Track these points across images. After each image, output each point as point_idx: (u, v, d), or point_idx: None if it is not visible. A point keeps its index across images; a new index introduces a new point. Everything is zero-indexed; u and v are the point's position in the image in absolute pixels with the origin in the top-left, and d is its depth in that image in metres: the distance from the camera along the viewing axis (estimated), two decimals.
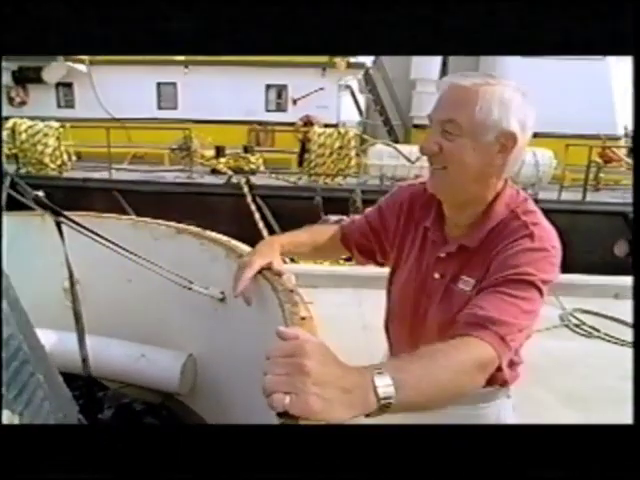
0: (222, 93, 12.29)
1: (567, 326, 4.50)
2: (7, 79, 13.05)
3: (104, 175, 9.54)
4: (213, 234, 1.79)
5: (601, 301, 4.91)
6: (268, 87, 12.85)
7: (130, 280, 1.69)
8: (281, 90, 12.97)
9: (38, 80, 12.88)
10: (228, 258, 1.51)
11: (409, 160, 9.40)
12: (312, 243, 1.32)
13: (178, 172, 9.86)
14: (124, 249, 1.58)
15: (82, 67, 12.76)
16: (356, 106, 13.38)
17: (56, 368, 1.32)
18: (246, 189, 8.71)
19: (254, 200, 8.63)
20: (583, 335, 4.38)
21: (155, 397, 1.94)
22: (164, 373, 1.82)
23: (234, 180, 9.02)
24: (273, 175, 9.89)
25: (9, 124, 9.52)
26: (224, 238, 1.71)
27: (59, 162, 9.73)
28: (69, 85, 13.30)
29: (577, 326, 4.49)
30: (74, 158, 10.20)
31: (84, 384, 1.69)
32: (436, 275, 1.13)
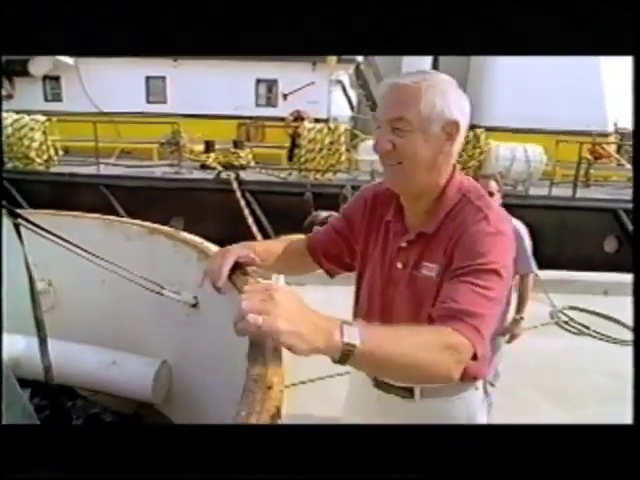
0: (212, 87, 12.15)
1: (557, 323, 4.49)
2: None
3: (92, 170, 9.41)
4: (186, 235, 1.74)
5: (590, 298, 4.91)
6: (258, 82, 12.72)
7: (103, 281, 1.65)
8: (271, 85, 12.84)
9: (24, 73, 12.63)
10: (200, 261, 1.47)
11: None
12: (284, 253, 1.35)
13: (167, 167, 9.75)
14: (85, 250, 1.51)
15: (69, 60, 12.53)
16: (347, 101, 13.30)
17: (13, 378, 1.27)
18: (235, 184, 8.63)
19: (243, 196, 8.55)
20: (573, 332, 4.36)
21: (129, 406, 1.88)
22: (136, 381, 1.76)
23: (223, 175, 8.93)
24: (263, 170, 9.82)
25: None
26: (197, 240, 1.67)
27: (45, 157, 9.60)
28: (56, 78, 13.05)
29: (566, 323, 4.48)
30: (61, 153, 10.07)
31: (51, 393, 1.63)
32: (399, 265, 1.18)
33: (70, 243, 1.51)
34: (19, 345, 1.73)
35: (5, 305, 1.36)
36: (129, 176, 9.22)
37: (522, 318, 2.81)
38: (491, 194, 2.70)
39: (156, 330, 1.81)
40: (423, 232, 1.14)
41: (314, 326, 0.75)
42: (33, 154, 9.38)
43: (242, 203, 8.46)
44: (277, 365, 0.80)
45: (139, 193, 8.77)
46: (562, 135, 10.18)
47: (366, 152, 9.64)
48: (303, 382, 3.20)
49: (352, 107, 13.80)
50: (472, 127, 9.55)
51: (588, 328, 4.31)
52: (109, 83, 12.32)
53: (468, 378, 1.16)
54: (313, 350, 0.75)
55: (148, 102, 12.85)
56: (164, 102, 12.79)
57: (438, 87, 1.04)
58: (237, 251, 1.20)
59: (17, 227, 1.50)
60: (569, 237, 8.25)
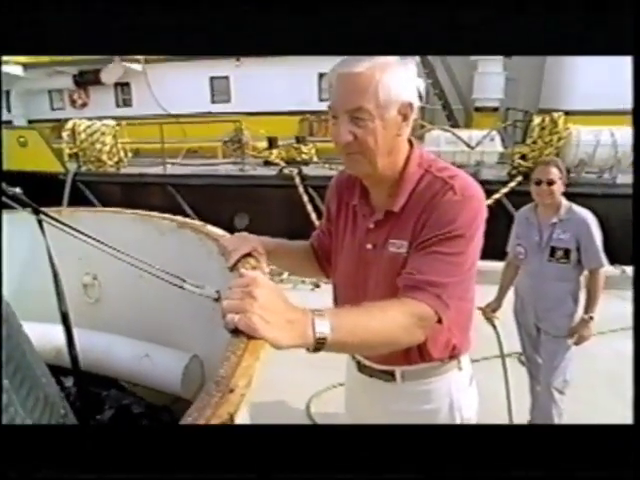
0: (275, 84, 12.12)
1: None
2: (69, 83, 13.65)
3: (159, 170, 9.62)
4: (210, 228, 1.76)
5: None
6: (321, 76, 12.54)
7: (141, 275, 1.60)
8: None
9: (97, 82, 13.31)
10: (221, 255, 1.44)
11: (468, 145, 8.86)
12: (296, 256, 1.44)
13: (230, 165, 9.81)
14: (104, 243, 1.55)
15: (138, 66, 13.00)
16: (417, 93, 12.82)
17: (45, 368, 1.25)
18: (298, 180, 8.48)
19: (306, 191, 8.38)
20: None
21: (162, 399, 1.86)
22: (166, 374, 1.76)
23: (286, 171, 8.82)
24: (326, 165, 9.60)
25: (69, 125, 9.85)
26: (219, 233, 1.68)
27: (116, 159, 9.94)
28: (126, 84, 13.61)
29: None
30: (130, 155, 10.38)
31: (85, 382, 1.71)
32: (369, 246, 1.20)
33: (92, 238, 1.56)
34: (61, 335, 1.72)
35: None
36: (194, 175, 9.35)
37: (591, 318, 2.48)
38: (551, 182, 2.45)
39: (190, 324, 1.80)
40: (390, 211, 1.15)
41: (288, 323, 0.79)
42: (104, 157, 9.74)
43: (305, 198, 8.30)
44: (248, 366, 0.77)
45: (204, 191, 8.87)
46: None
47: (432, 143, 9.21)
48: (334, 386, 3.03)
49: (420, 97, 13.27)
50: (548, 111, 8.86)
51: None
52: (175, 86, 12.67)
53: (446, 355, 1.23)
54: (289, 346, 0.78)
55: (213, 102, 13.09)
56: (228, 101, 12.97)
57: (390, 70, 1.03)
58: (253, 244, 1.25)
59: (40, 223, 1.56)
60: None
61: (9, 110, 14.54)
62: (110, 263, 1.65)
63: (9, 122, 14.05)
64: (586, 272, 2.54)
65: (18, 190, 1.56)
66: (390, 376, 1.28)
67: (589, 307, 2.50)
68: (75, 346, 1.56)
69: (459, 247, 1.04)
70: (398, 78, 1.04)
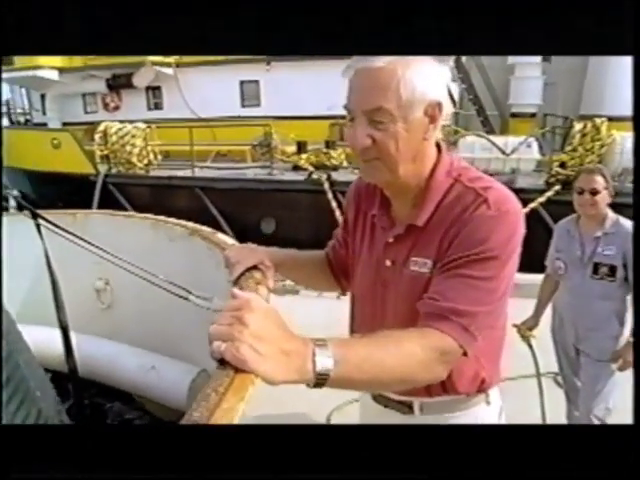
0: (304, 88, 12.03)
1: None
2: (102, 86, 13.91)
3: (188, 173, 9.64)
4: (220, 237, 1.69)
5: None
6: None
7: (152, 282, 1.56)
8: None
9: (129, 85, 13.55)
10: (225, 267, 1.37)
11: (504, 152, 8.57)
12: (308, 268, 1.32)
13: (259, 169, 9.75)
14: (104, 250, 1.57)
15: (169, 70, 13.15)
16: (449, 96, 12.60)
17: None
18: (327, 185, 8.35)
19: (335, 197, 8.22)
20: None
21: (168, 413, 1.81)
22: (172, 388, 1.71)
23: (315, 176, 8.68)
24: (356, 171, 9.43)
25: (101, 127, 10.00)
26: (229, 242, 1.62)
27: (146, 161, 10.02)
28: (158, 88, 13.76)
29: None
30: (159, 157, 10.46)
31: (87, 393, 1.73)
32: (387, 262, 1.08)
33: (85, 241, 1.54)
34: (82, 343, 1.76)
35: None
36: (222, 178, 9.33)
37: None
38: (594, 192, 2.25)
39: (199, 335, 1.71)
40: (413, 225, 1.02)
41: (284, 355, 0.69)
42: (134, 159, 9.84)
43: (333, 204, 8.14)
44: (230, 408, 0.66)
45: (232, 195, 8.86)
46: None
47: (467, 149, 8.96)
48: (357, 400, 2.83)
49: (454, 102, 13.04)
50: (590, 117, 8.50)
51: None
52: (206, 89, 12.72)
53: (473, 389, 1.10)
54: (284, 381, 0.69)
55: (243, 106, 13.09)
56: (258, 105, 12.95)
57: (415, 65, 0.90)
58: (259, 256, 1.18)
59: (38, 227, 1.56)
60: None
61: (44, 113, 14.98)
62: (122, 269, 1.63)
63: (44, 124, 14.47)
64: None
65: (16, 193, 1.60)
66: (407, 408, 1.15)
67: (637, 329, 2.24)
68: (74, 357, 1.53)
69: (492, 270, 0.91)
70: (424, 74, 0.91)
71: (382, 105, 0.90)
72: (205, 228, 1.88)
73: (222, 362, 0.67)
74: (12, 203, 1.92)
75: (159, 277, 1.45)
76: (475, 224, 0.93)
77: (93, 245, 1.52)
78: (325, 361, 0.71)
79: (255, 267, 1.15)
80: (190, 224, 1.94)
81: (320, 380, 0.71)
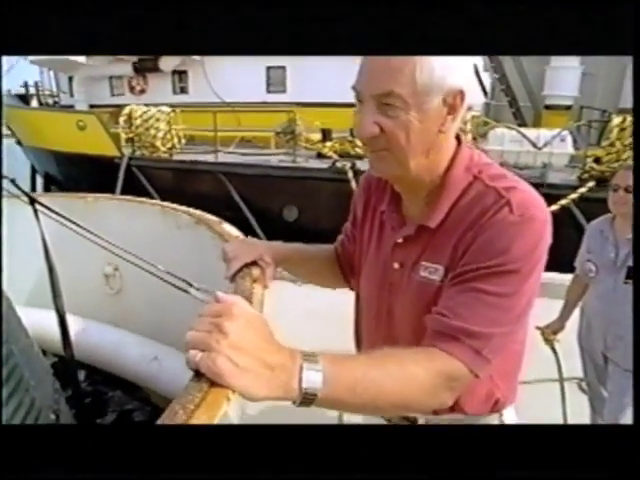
0: (331, 75, 11.84)
1: None
2: (128, 70, 13.97)
3: (211, 158, 9.59)
4: (225, 227, 1.63)
5: None
6: None
7: (160, 269, 1.55)
8: None
9: (156, 69, 13.60)
10: (223, 261, 1.32)
11: (535, 145, 8.27)
12: (317, 259, 1.24)
13: (283, 156, 9.62)
14: (101, 238, 1.54)
15: (196, 55, 13.12)
16: (480, 86, 12.29)
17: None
18: (350, 174, 8.17)
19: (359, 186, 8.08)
20: None
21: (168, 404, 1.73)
22: (173, 380, 1.67)
23: (339, 165, 8.52)
24: None
25: (126, 110, 9.99)
26: (234, 234, 1.56)
27: (169, 145, 9.98)
28: (184, 72, 13.77)
29: None
30: (183, 141, 10.42)
31: (96, 381, 1.74)
32: (395, 265, 0.99)
33: (79, 226, 1.51)
34: (76, 326, 1.74)
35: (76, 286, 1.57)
36: (246, 164, 9.23)
37: None
38: (630, 190, 2.13)
39: None
40: (424, 226, 0.92)
41: (267, 369, 0.62)
42: (158, 143, 9.79)
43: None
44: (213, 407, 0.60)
45: (255, 181, 8.78)
46: None
47: (496, 141, 8.69)
48: None
49: (486, 93, 12.75)
50: (630, 111, 8.12)
51: None
52: (232, 75, 12.65)
53: (486, 410, 1.00)
54: (265, 398, 0.62)
55: (268, 92, 13.01)
56: (284, 91, 12.85)
57: None
58: (259, 250, 1.10)
59: (35, 211, 1.54)
60: None
61: (72, 95, 15.17)
62: (130, 254, 1.61)
63: (71, 106, 14.65)
64: None
65: (12, 179, 1.58)
66: (411, 423, 1.07)
67: None
68: (71, 344, 1.49)
69: (511, 286, 0.80)
70: (445, 57, 0.80)
71: (393, 90, 0.80)
72: (211, 217, 1.82)
73: (198, 373, 0.62)
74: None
75: (159, 268, 1.40)
76: (495, 231, 0.82)
77: (91, 232, 1.51)
78: (313, 379, 0.64)
79: (254, 263, 1.09)
80: (197, 212, 1.89)
81: (306, 400, 0.65)
